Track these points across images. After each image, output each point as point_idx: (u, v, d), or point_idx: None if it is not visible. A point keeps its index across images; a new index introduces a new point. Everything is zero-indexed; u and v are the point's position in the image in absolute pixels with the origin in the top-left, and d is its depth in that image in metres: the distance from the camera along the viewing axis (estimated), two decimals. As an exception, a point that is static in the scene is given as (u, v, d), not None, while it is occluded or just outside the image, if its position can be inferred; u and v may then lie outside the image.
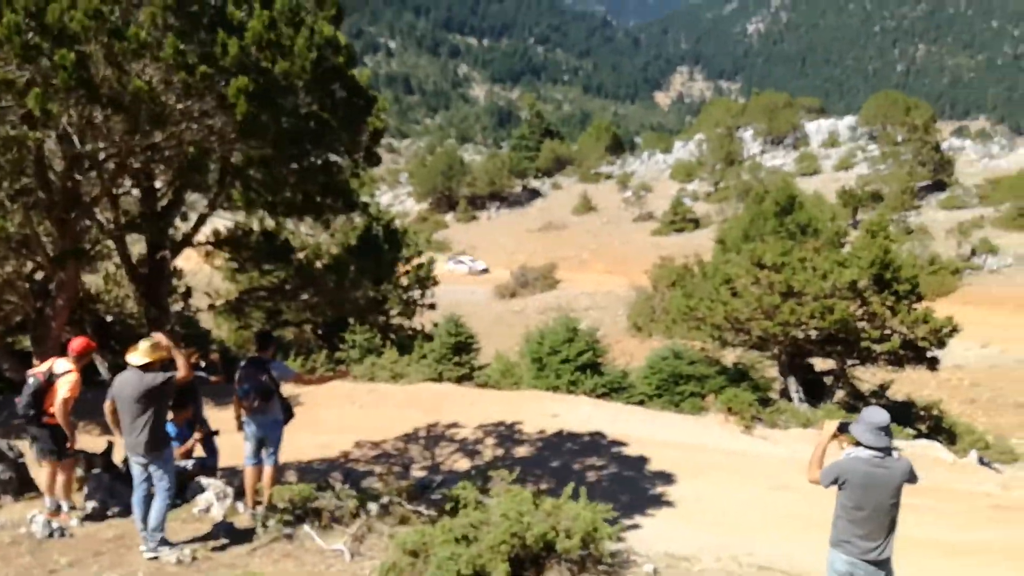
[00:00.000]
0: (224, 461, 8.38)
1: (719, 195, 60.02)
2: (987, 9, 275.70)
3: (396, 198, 75.02)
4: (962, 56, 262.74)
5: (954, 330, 15.85)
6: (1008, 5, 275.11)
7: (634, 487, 11.30)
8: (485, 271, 50.76)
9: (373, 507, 7.40)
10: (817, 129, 75.33)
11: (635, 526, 9.46)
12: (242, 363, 7.50)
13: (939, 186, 53.71)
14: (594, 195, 66.25)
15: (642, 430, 14.36)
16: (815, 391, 17.80)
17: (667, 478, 11.64)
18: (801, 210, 16.91)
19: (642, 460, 12.53)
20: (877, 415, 5.30)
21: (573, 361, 18.00)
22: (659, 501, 10.76)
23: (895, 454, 5.32)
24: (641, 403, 17.38)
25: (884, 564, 5.30)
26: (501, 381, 19.19)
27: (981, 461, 15.88)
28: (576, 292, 41.94)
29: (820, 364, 18.80)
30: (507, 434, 13.92)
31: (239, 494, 7.44)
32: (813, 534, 8.42)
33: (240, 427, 7.39)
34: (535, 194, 71.58)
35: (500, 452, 12.95)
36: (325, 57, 7.75)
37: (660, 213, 58.19)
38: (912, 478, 5.29)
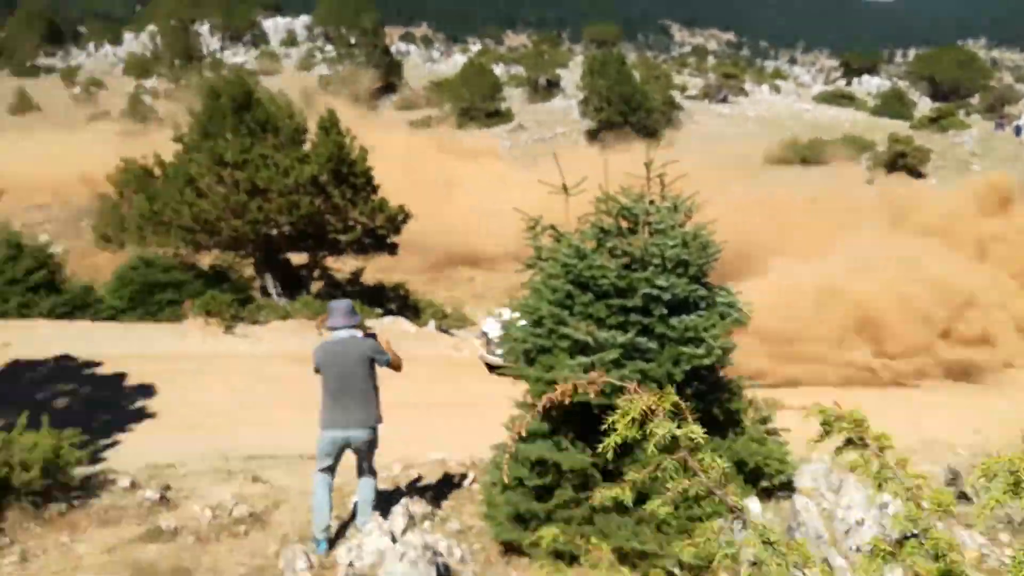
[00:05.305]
0: None
1: (180, 92, 56.70)
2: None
3: None
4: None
5: (407, 217, 17.81)
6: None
7: (112, 406, 10.64)
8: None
9: None
10: (275, 27, 75.26)
11: (114, 444, 8.98)
12: None
13: (390, 88, 58.19)
14: (34, 91, 57.32)
15: (117, 346, 13.44)
16: (293, 285, 18.49)
17: (148, 391, 11.18)
18: (259, 107, 16.88)
19: (119, 377, 11.81)
20: (337, 303, 6.13)
21: (23, 281, 15.82)
22: (141, 415, 10.34)
23: (359, 335, 6.03)
24: (113, 318, 16.16)
25: (365, 432, 5.99)
26: (-70, 317, 16.15)
27: (441, 329, 18.35)
28: (28, 205, 36.36)
29: (296, 258, 19.51)
30: (-55, 374, 11.89)
31: None
32: (298, 416, 8.99)
33: None
34: (-45, 90, 59.23)
35: (-65, 397, 11.00)
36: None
37: (117, 112, 52.92)
38: (377, 357, 6.02)
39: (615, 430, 1.74)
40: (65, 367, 12.30)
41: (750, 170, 38.04)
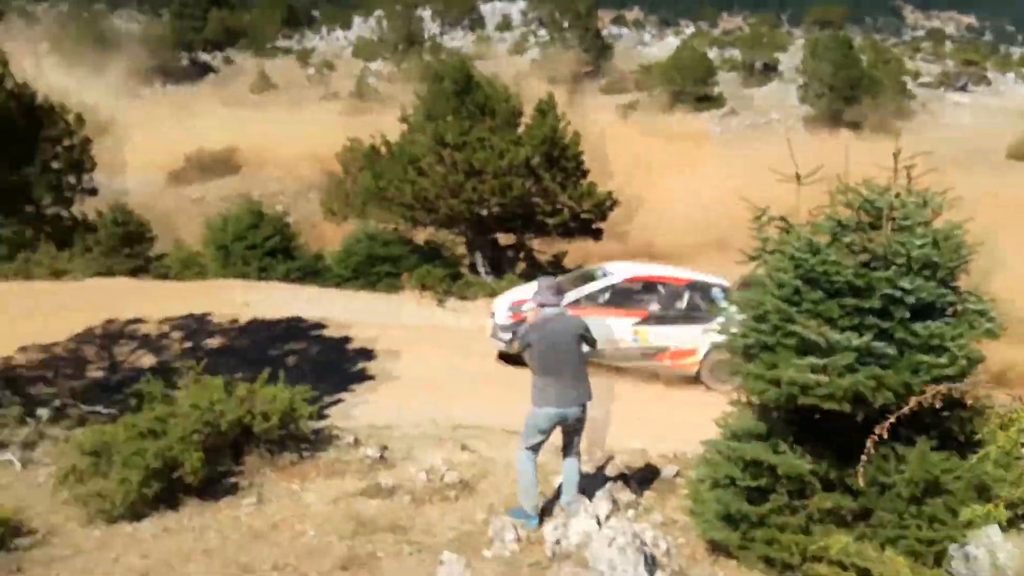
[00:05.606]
0: None
1: (403, 75, 59.63)
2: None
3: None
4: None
5: (614, 203, 17.74)
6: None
7: (336, 367, 11.41)
8: None
9: (43, 412, 6.76)
10: (492, 11, 77.26)
11: (338, 402, 9.63)
12: None
13: (599, 71, 58.05)
14: (272, 72, 62.56)
15: (341, 312, 14.43)
16: (499, 264, 19.03)
17: (368, 355, 11.90)
18: (478, 90, 17.42)
19: (343, 340, 12.66)
20: (546, 281, 6.14)
21: (261, 247, 17.40)
22: (361, 377, 11.01)
23: (568, 313, 6.04)
24: (338, 286, 17.40)
25: (578, 410, 6.00)
26: (184, 272, 18.12)
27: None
28: (265, 177, 40.00)
29: (503, 239, 20.05)
30: (195, 327, 13.25)
31: None
32: (501, 392, 9.21)
33: None
34: (206, 69, 65.78)
35: (189, 345, 12.32)
36: None
37: (346, 92, 56.62)
38: (587, 335, 6.01)
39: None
40: (296, 328, 13.36)
41: (989, 163, 34.51)
